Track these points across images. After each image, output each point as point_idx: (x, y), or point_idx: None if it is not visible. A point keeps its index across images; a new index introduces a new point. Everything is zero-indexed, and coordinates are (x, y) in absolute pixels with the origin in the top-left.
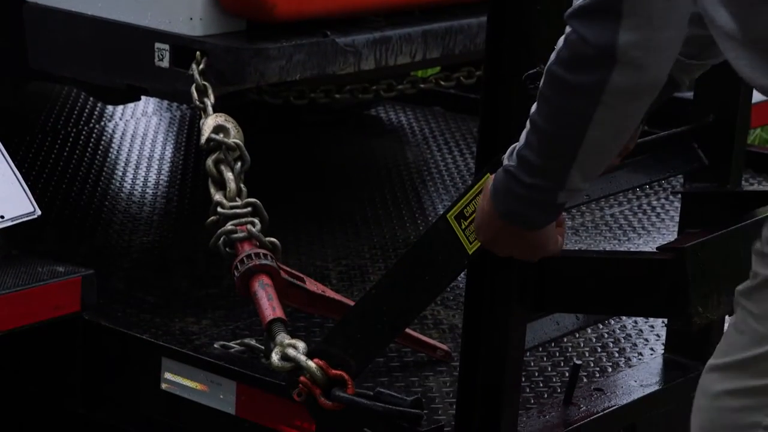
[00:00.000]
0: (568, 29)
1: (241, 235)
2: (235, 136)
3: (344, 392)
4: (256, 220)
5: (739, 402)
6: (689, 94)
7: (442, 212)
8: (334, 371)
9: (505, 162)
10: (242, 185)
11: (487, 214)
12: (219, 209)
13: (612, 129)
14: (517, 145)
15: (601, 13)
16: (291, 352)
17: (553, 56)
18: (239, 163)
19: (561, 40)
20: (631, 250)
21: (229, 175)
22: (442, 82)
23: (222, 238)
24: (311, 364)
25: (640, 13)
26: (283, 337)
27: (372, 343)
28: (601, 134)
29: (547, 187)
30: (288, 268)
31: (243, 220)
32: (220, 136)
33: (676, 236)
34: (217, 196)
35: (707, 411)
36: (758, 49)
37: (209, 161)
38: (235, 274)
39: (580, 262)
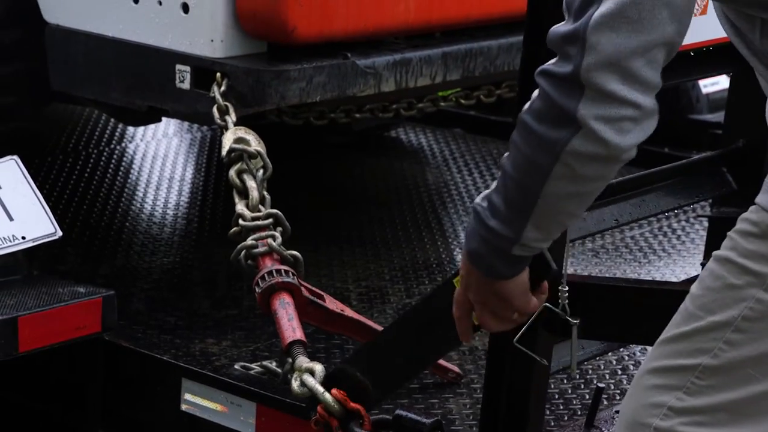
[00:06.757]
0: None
1: (262, 249)
2: (256, 146)
3: (361, 429)
4: (277, 234)
5: (655, 380)
6: (719, 119)
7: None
8: (352, 404)
9: (477, 201)
10: (265, 193)
11: (462, 256)
12: (241, 222)
13: (569, 189)
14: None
15: (566, 82)
16: (309, 381)
17: (526, 104)
18: (261, 171)
19: (536, 91)
20: (654, 275)
21: (251, 184)
22: (462, 101)
23: (243, 252)
24: (328, 397)
25: (599, 88)
26: (302, 361)
27: (390, 378)
28: (558, 192)
29: (505, 235)
30: (309, 285)
31: (264, 234)
32: (242, 146)
33: (696, 259)
34: (239, 207)
35: (631, 388)
36: None
37: (232, 172)
38: (256, 290)
39: (610, 290)
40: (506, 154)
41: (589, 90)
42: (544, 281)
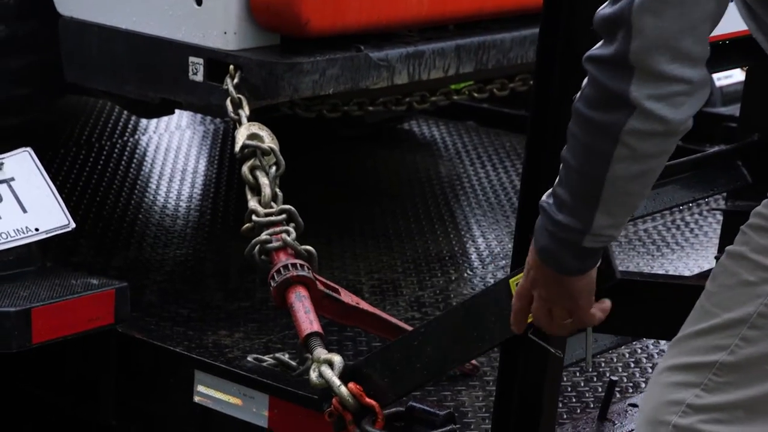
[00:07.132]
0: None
1: (276, 244)
2: (269, 143)
3: (373, 427)
4: (291, 229)
5: (673, 377)
6: (733, 111)
7: (505, 277)
8: (367, 399)
9: (543, 198)
10: (278, 190)
11: (530, 252)
12: (254, 217)
13: (633, 169)
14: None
15: (614, 65)
16: (327, 373)
17: (578, 93)
18: (274, 168)
19: (586, 79)
20: (667, 268)
21: (264, 181)
22: (476, 94)
23: (257, 247)
24: (344, 390)
25: (650, 69)
26: (320, 352)
27: (410, 379)
28: (623, 174)
29: (574, 227)
30: (324, 279)
31: (278, 229)
32: (255, 142)
33: (710, 252)
34: (252, 203)
35: (649, 385)
36: None
37: (245, 168)
38: (271, 284)
39: (623, 283)
40: (565, 147)
41: (639, 71)
42: (607, 301)
